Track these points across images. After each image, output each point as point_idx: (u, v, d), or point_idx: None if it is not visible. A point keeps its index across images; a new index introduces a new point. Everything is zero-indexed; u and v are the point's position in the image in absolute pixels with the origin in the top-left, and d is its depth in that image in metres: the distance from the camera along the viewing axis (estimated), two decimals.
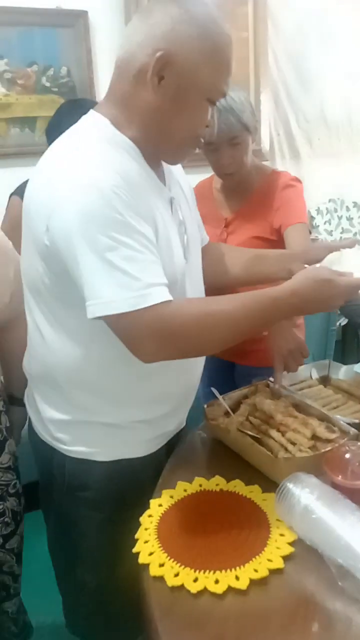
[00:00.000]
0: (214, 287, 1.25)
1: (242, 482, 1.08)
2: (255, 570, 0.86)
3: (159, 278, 0.94)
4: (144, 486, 1.12)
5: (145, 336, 0.93)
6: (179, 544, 0.93)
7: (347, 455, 0.98)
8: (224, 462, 1.16)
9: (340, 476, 0.95)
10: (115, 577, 1.09)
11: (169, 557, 0.90)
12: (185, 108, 1.00)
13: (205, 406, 1.25)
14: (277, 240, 1.65)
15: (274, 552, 0.90)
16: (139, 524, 1.00)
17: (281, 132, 3.35)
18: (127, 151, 1.00)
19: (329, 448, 1.06)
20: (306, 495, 0.90)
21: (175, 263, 1.06)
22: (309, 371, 1.44)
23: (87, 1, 2.75)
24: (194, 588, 0.84)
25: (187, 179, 1.26)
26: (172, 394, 1.17)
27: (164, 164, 1.13)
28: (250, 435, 1.14)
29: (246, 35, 3.23)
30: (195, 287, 1.18)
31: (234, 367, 1.87)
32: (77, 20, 2.73)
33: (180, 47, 0.95)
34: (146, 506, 1.04)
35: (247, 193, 1.73)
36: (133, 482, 1.15)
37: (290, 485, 0.93)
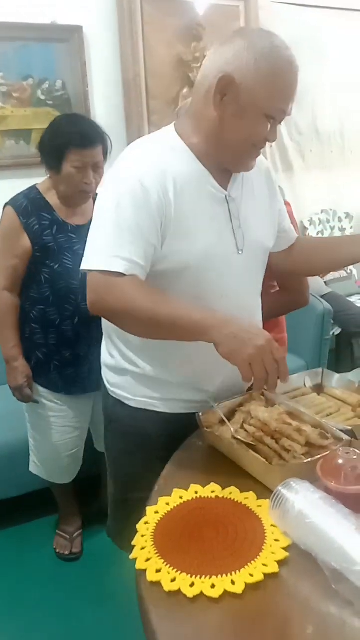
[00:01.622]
0: (300, 275, 1.60)
1: (237, 489, 1.09)
2: (251, 575, 0.88)
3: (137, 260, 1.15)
4: (152, 439, 1.36)
5: (90, 292, 1.17)
6: (175, 550, 0.95)
7: (340, 461, 0.99)
8: (219, 470, 1.17)
9: (333, 481, 0.97)
10: (128, 496, 1.40)
11: (165, 563, 0.91)
12: (243, 122, 1.18)
13: (201, 414, 1.27)
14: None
15: (269, 557, 0.91)
16: (141, 461, 1.18)
17: (274, 144, 3.39)
18: (180, 155, 1.23)
19: (322, 454, 1.07)
20: (300, 500, 0.92)
21: (197, 250, 1.23)
22: (302, 379, 1.46)
23: (82, 17, 2.79)
24: (190, 593, 0.85)
25: (266, 181, 1.41)
26: (194, 365, 1.32)
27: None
28: (245, 443, 1.15)
29: None
30: (245, 274, 1.34)
31: None
32: (72, 35, 2.77)
33: (239, 71, 1.14)
34: (150, 453, 1.27)
35: None
36: (147, 432, 1.35)
37: (284, 491, 0.94)
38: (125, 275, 1.13)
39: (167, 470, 1.20)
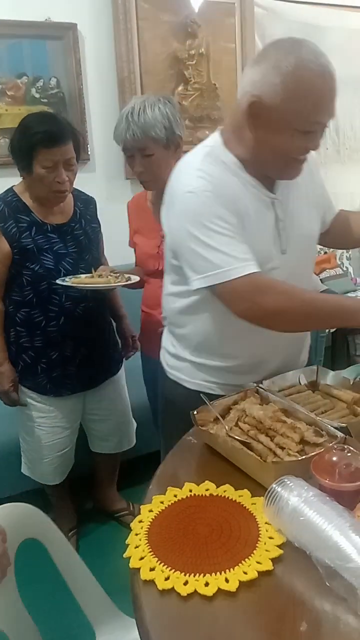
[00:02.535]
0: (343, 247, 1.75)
1: (231, 486, 1.09)
2: (245, 573, 0.87)
3: (248, 254, 1.26)
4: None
5: (234, 300, 1.28)
6: (169, 548, 0.94)
7: (334, 458, 0.99)
8: (213, 468, 1.17)
9: (327, 479, 0.97)
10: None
11: (159, 562, 0.91)
12: (278, 140, 1.25)
13: (195, 412, 1.27)
14: None
15: (263, 554, 0.91)
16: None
17: None
18: (226, 164, 1.31)
19: (316, 452, 1.07)
20: (294, 498, 0.92)
21: (258, 250, 1.30)
22: (297, 377, 1.46)
23: (76, 14, 2.79)
24: (184, 591, 0.85)
25: (311, 181, 1.47)
26: (251, 354, 1.45)
27: None
28: (239, 441, 1.15)
29: (233, 46, 3.27)
30: (292, 273, 1.39)
31: None
32: (66, 32, 2.77)
33: (267, 93, 1.20)
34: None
35: None
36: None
37: (278, 489, 0.94)
38: (259, 273, 1.25)
39: (162, 469, 1.20)
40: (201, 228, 1.26)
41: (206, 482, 1.11)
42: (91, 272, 1.94)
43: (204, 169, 1.30)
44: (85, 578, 1.32)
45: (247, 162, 1.32)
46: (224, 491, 1.08)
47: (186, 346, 1.51)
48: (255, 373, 1.46)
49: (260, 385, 1.37)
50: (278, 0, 3.39)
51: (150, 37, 3.02)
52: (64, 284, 1.85)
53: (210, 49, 3.20)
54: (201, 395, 1.32)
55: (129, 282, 1.89)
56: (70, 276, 1.90)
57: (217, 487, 1.10)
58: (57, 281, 1.86)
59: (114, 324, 2.27)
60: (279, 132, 1.24)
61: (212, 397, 1.34)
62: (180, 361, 1.53)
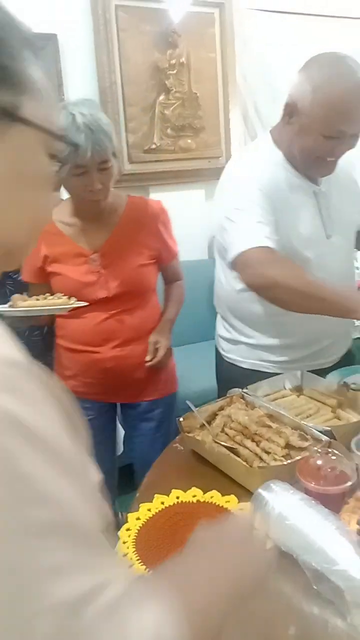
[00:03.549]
0: None
1: (218, 492, 1.09)
2: None
3: (269, 235, 1.39)
4: None
5: (244, 268, 1.40)
6: (157, 555, 0.94)
7: (319, 462, 1.00)
8: (200, 474, 1.18)
9: (312, 483, 0.97)
10: None
11: (147, 569, 0.91)
12: (306, 140, 1.41)
13: (181, 419, 1.27)
14: (157, 263, 1.78)
15: None
16: None
17: None
18: (274, 159, 1.50)
19: (302, 456, 1.08)
20: (280, 502, 0.92)
21: (299, 234, 1.48)
22: (282, 382, 1.47)
23: (56, 25, 2.79)
24: None
25: (345, 166, 1.55)
26: (294, 335, 1.57)
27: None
28: (225, 446, 1.15)
29: (214, 55, 3.30)
30: (338, 257, 1.56)
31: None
32: (46, 43, 2.77)
33: (300, 99, 1.38)
34: None
35: (113, 221, 1.69)
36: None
37: (264, 493, 0.94)
38: (274, 249, 1.36)
39: (148, 476, 1.20)
40: (235, 210, 1.43)
41: (193, 488, 1.12)
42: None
43: (253, 162, 1.50)
44: None
45: (292, 157, 1.48)
46: (211, 497, 1.09)
47: (242, 329, 1.63)
48: (308, 349, 1.59)
49: (245, 390, 1.38)
50: (257, 10, 3.42)
51: (131, 47, 3.04)
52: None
53: (191, 58, 3.22)
54: (187, 402, 1.32)
55: (79, 304, 1.60)
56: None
57: (204, 493, 1.10)
58: None
59: None
60: (307, 134, 1.39)
61: (267, 375, 1.51)
62: (236, 344, 1.66)
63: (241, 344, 1.65)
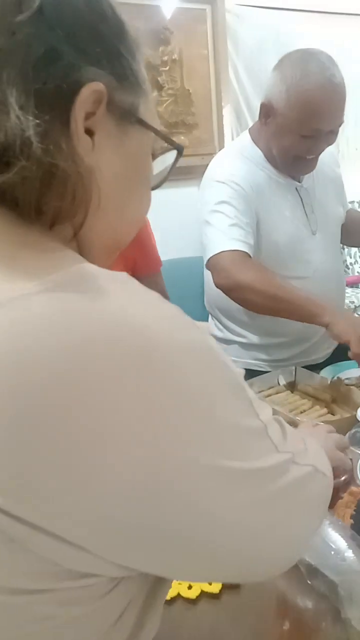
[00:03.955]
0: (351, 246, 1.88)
1: None
2: None
3: (243, 238, 1.39)
4: None
5: (217, 270, 1.40)
6: None
7: None
8: None
9: None
10: None
11: None
12: (282, 140, 1.41)
13: None
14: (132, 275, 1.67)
15: None
16: None
17: None
18: (254, 158, 1.50)
19: None
20: None
21: (284, 232, 1.47)
22: (276, 378, 1.47)
23: None
24: (167, 595, 0.85)
25: (329, 159, 1.60)
26: (284, 334, 1.57)
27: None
28: None
29: (206, 52, 3.29)
30: (324, 254, 1.55)
31: None
32: None
33: (274, 99, 1.37)
34: None
35: None
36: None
37: None
38: (246, 253, 1.37)
39: None
40: (212, 212, 1.43)
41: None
42: None
43: (232, 162, 1.49)
44: None
45: (270, 155, 1.49)
46: None
47: (234, 329, 1.64)
48: (299, 346, 1.60)
49: None
50: (249, 6, 3.42)
51: None
52: None
53: (183, 55, 3.21)
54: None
55: None
56: None
57: None
58: None
59: None
60: (284, 134, 1.39)
61: (259, 373, 1.52)
62: (229, 344, 1.66)
63: (234, 343, 1.66)
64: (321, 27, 3.58)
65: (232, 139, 3.46)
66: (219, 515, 0.44)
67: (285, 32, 3.52)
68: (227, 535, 0.45)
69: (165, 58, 3.16)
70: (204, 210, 1.46)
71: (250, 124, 3.52)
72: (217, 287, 1.42)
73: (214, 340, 0.46)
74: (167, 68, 3.18)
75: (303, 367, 1.52)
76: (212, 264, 1.40)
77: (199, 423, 0.42)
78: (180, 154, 0.62)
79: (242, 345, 1.64)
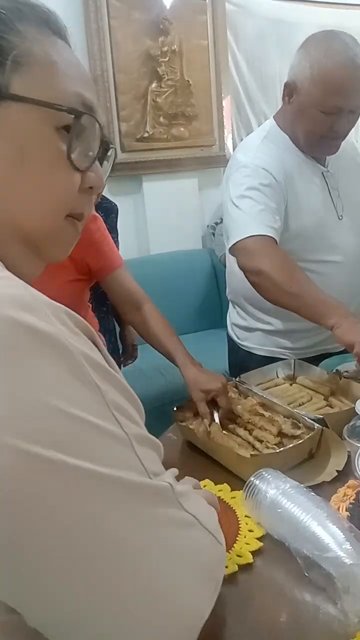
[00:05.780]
0: None
1: (211, 481, 1.10)
2: (225, 567, 0.88)
3: (271, 223, 1.40)
4: None
5: (241, 254, 1.42)
6: None
7: None
8: (193, 463, 1.18)
9: None
10: None
11: None
12: (305, 119, 1.44)
13: (175, 408, 1.27)
14: (90, 279, 1.47)
15: (244, 547, 0.91)
16: None
17: (244, 136, 3.41)
18: (280, 143, 1.52)
19: (294, 444, 1.08)
20: (272, 490, 0.92)
21: (312, 217, 1.50)
22: (275, 370, 1.47)
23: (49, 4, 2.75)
24: None
25: (351, 150, 1.66)
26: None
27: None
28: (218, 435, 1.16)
29: (206, 43, 3.28)
30: (351, 237, 1.57)
31: None
32: None
33: (298, 77, 1.41)
34: None
35: None
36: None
37: (257, 482, 0.95)
38: (273, 239, 1.38)
39: None
40: (241, 197, 1.43)
41: (186, 477, 1.11)
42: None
43: (259, 147, 1.51)
44: None
45: (296, 139, 1.51)
46: (204, 486, 1.09)
47: (259, 316, 1.66)
48: (323, 334, 1.56)
49: (239, 380, 1.38)
50: None
51: (123, 35, 3.01)
52: None
53: (183, 46, 3.20)
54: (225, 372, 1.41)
55: None
56: None
57: None
58: None
59: (118, 329, 2.25)
60: (306, 112, 1.42)
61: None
62: (252, 332, 1.69)
63: (257, 330, 1.67)
64: (321, 17, 3.55)
65: (233, 130, 3.44)
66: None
67: (286, 22, 3.50)
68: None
69: (165, 49, 3.15)
70: (232, 195, 1.46)
71: (251, 115, 3.54)
72: (240, 269, 1.43)
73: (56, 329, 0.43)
74: (167, 59, 3.16)
75: (326, 355, 1.54)
76: (238, 247, 1.41)
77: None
78: (97, 122, 0.56)
79: (266, 332, 1.66)
